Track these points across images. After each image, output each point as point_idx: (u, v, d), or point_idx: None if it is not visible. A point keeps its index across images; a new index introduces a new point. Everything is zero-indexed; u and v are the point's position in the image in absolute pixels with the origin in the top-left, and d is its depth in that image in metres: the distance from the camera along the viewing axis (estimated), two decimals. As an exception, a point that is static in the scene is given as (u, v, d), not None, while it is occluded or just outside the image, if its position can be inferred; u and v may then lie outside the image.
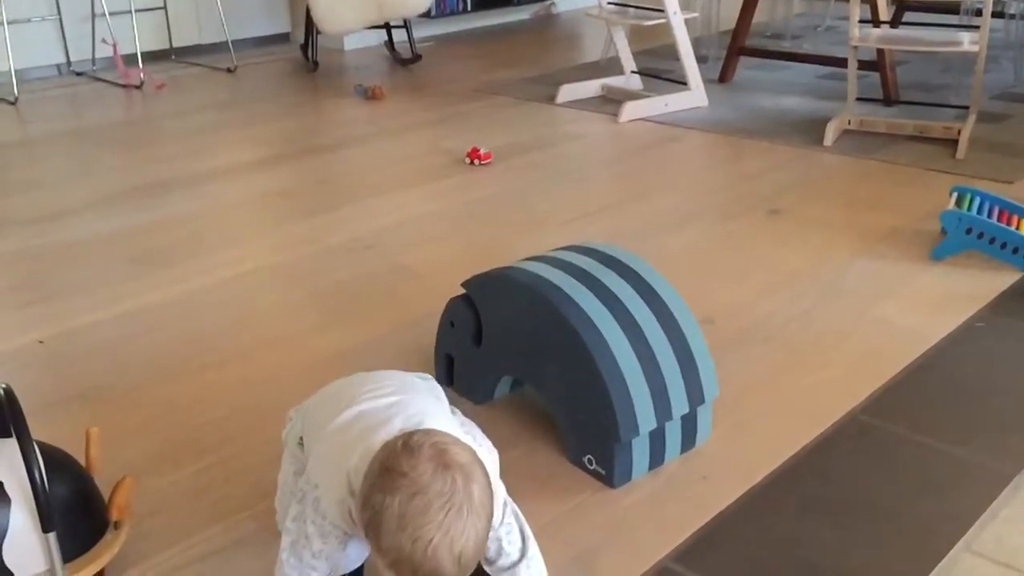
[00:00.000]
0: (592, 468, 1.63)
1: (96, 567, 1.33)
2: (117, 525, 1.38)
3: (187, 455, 1.72)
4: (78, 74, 4.78)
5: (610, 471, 1.60)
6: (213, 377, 1.99)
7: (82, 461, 1.42)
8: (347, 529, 1.16)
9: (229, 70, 4.82)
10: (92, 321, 2.25)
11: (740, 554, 1.47)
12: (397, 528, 1.02)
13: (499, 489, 1.22)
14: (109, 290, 2.42)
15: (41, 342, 2.16)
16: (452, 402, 1.40)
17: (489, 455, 1.25)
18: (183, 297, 2.37)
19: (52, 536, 1.27)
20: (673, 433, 1.64)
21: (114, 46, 4.54)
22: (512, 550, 1.23)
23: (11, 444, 1.27)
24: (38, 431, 1.29)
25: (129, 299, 2.36)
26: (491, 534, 1.18)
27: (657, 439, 1.61)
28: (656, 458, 1.63)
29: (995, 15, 3.51)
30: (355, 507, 1.10)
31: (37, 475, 1.24)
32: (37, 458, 1.25)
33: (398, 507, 1.03)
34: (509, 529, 1.24)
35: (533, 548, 1.26)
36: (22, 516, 1.26)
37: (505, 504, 1.23)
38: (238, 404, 1.89)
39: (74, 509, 1.33)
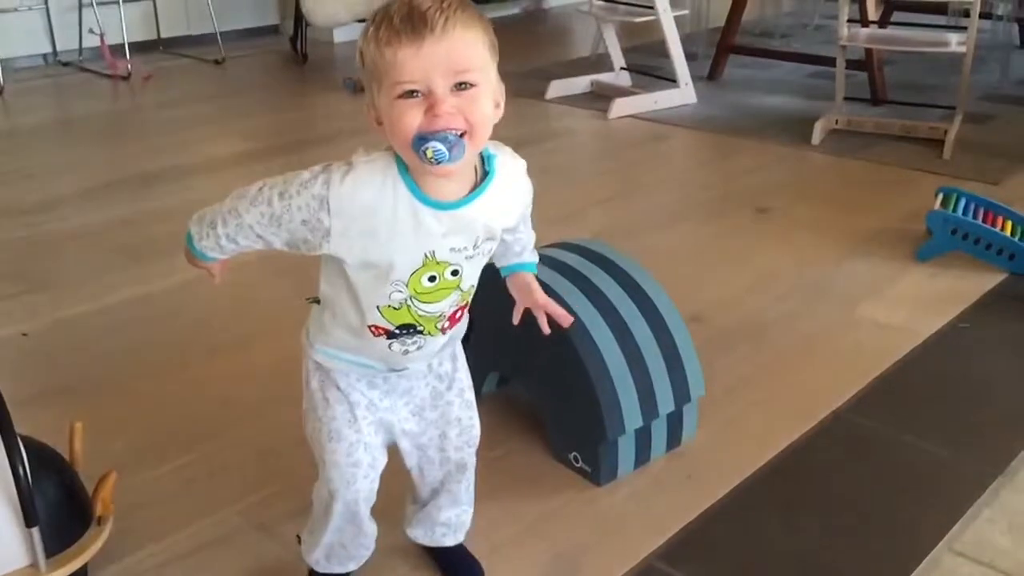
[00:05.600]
0: (578, 466, 1.63)
1: (79, 562, 1.32)
2: (101, 520, 1.38)
3: (172, 449, 1.71)
4: (64, 64, 4.74)
5: (596, 469, 1.60)
6: (199, 371, 1.99)
7: (66, 455, 1.41)
8: (334, 215, 1.07)
9: (217, 62, 4.79)
10: (77, 313, 2.24)
11: (724, 552, 1.47)
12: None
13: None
14: (95, 282, 2.40)
15: (25, 334, 2.15)
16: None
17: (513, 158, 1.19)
18: (169, 290, 2.36)
19: (35, 531, 1.26)
20: (659, 431, 1.64)
21: (101, 36, 4.51)
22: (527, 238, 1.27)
23: (-6, 438, 1.27)
24: (21, 424, 1.29)
25: (115, 291, 2.35)
26: (520, 231, 1.23)
27: (643, 437, 1.62)
28: (642, 456, 1.64)
29: (982, 16, 3.53)
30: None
31: (20, 469, 1.23)
32: (20, 452, 1.24)
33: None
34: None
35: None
36: (5, 510, 1.26)
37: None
38: (224, 398, 1.89)
39: (57, 504, 1.32)
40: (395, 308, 1.14)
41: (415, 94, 1.01)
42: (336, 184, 1.07)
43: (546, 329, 1.31)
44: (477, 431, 1.32)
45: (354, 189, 1.07)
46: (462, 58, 1.00)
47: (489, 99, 1.05)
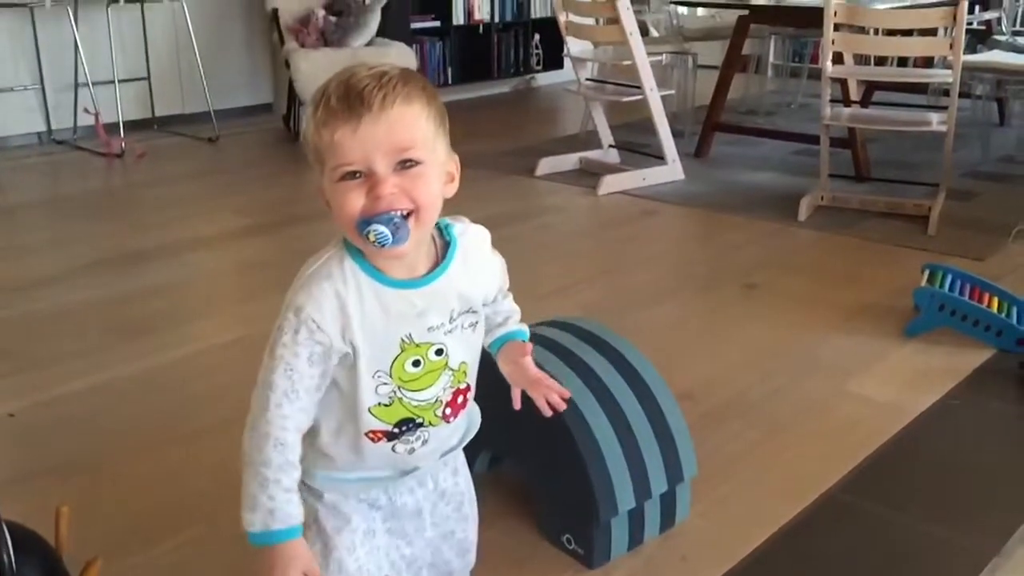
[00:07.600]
0: (571, 548, 1.61)
1: (62, 652, 1.29)
2: (85, 607, 1.35)
3: (160, 532, 1.69)
4: (59, 142, 4.79)
5: (589, 551, 1.58)
6: (189, 451, 1.97)
7: (51, 540, 1.39)
8: (324, 326, 1.03)
9: (211, 140, 4.85)
10: (65, 393, 2.22)
11: (720, 637, 1.45)
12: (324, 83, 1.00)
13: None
14: (84, 361, 2.39)
15: (12, 415, 2.13)
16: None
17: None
18: (159, 368, 2.35)
19: (18, 620, 1.23)
20: (652, 512, 1.63)
21: (96, 115, 4.57)
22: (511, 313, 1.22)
23: (-21, 524, 1.25)
24: (7, 508, 1.27)
25: (104, 370, 2.33)
26: (500, 303, 1.19)
27: (636, 518, 1.60)
28: (635, 537, 1.62)
29: (962, 95, 3.60)
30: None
31: (4, 556, 1.21)
32: (5, 537, 1.22)
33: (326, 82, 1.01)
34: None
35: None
36: (-13, 599, 1.23)
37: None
38: (213, 479, 1.86)
39: (41, 591, 1.30)
40: (386, 405, 1.09)
41: (357, 175, 0.98)
42: (307, 305, 1.03)
43: (546, 411, 1.20)
44: (471, 542, 1.26)
45: (320, 295, 1.04)
46: (403, 136, 0.97)
47: (436, 176, 1.02)
